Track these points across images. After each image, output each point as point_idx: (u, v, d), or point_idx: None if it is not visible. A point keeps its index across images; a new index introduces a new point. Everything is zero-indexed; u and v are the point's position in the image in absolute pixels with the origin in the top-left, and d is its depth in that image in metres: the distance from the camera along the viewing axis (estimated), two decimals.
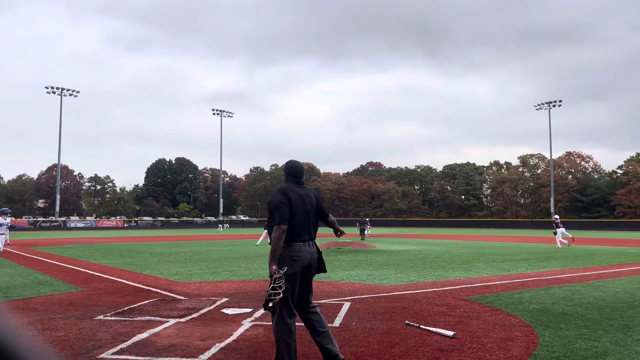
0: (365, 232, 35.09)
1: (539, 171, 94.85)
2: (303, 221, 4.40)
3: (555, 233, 23.76)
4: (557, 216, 27.66)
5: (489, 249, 22.34)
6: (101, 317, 6.72)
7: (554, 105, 74.98)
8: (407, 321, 6.31)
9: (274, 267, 4.25)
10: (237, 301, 8.01)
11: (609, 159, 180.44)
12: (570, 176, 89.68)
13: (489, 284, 10.28)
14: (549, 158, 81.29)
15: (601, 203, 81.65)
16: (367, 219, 43.85)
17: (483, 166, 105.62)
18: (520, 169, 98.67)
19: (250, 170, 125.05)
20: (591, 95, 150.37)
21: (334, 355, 4.35)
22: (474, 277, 11.37)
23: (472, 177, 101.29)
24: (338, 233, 4.90)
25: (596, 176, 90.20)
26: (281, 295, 4.12)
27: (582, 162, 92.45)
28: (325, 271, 4.58)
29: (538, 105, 76.66)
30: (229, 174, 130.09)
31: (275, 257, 4.31)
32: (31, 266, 14.11)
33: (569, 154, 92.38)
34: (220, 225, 64.56)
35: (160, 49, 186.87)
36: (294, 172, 4.60)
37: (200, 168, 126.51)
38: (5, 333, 1.00)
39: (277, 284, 4.15)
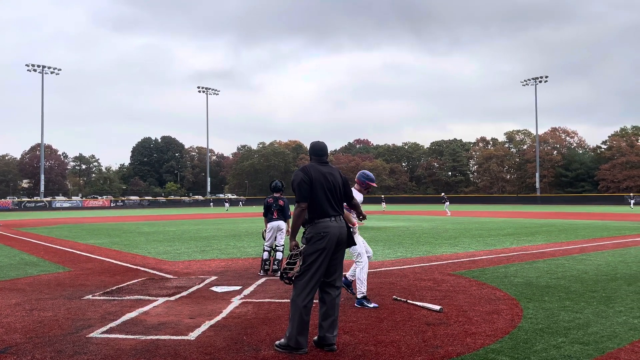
0: (382, 207, 40.47)
1: (524, 147, 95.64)
2: (327, 198, 4.43)
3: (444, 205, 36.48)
4: (443, 193, 43.13)
5: (476, 224, 22.62)
6: (90, 296, 6.70)
7: (540, 81, 75.31)
8: (394, 296, 6.39)
9: (293, 242, 4.49)
10: (226, 279, 8.05)
11: (593, 134, 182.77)
12: (555, 152, 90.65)
13: (475, 258, 10.43)
14: (535, 134, 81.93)
15: (585, 178, 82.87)
16: (382, 195, 46.84)
17: (470, 142, 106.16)
18: (506, 145, 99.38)
19: (238, 149, 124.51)
20: (576, 71, 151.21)
21: (328, 343, 4.30)
22: (460, 252, 11.52)
23: (459, 153, 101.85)
24: (361, 217, 4.95)
25: (581, 151, 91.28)
26: (296, 270, 4.32)
27: (567, 138, 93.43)
28: (355, 244, 4.71)
29: (524, 80, 76.96)
30: (216, 153, 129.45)
31: (295, 233, 4.51)
32: (17, 247, 14.00)
33: (554, 129, 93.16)
34: (226, 203, 64.75)
35: (147, 27, 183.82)
36: (317, 151, 4.64)
37: (186, 147, 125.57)
38: None
39: (293, 260, 4.38)
